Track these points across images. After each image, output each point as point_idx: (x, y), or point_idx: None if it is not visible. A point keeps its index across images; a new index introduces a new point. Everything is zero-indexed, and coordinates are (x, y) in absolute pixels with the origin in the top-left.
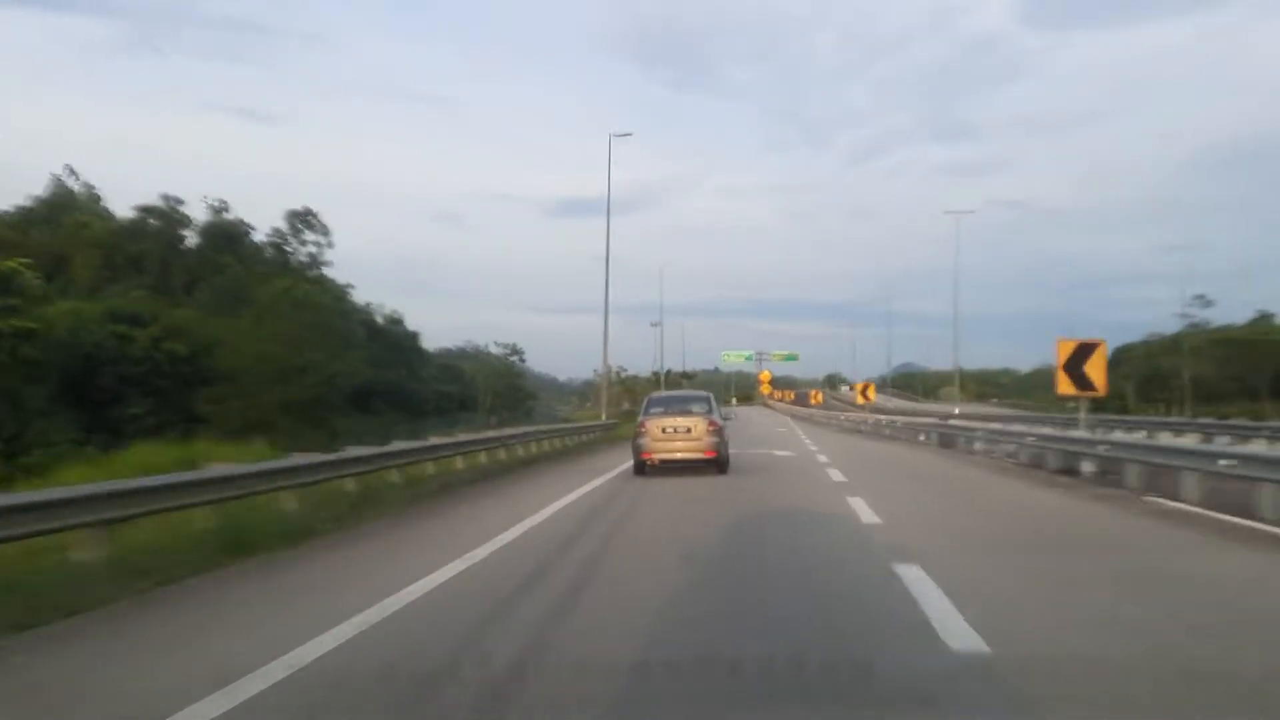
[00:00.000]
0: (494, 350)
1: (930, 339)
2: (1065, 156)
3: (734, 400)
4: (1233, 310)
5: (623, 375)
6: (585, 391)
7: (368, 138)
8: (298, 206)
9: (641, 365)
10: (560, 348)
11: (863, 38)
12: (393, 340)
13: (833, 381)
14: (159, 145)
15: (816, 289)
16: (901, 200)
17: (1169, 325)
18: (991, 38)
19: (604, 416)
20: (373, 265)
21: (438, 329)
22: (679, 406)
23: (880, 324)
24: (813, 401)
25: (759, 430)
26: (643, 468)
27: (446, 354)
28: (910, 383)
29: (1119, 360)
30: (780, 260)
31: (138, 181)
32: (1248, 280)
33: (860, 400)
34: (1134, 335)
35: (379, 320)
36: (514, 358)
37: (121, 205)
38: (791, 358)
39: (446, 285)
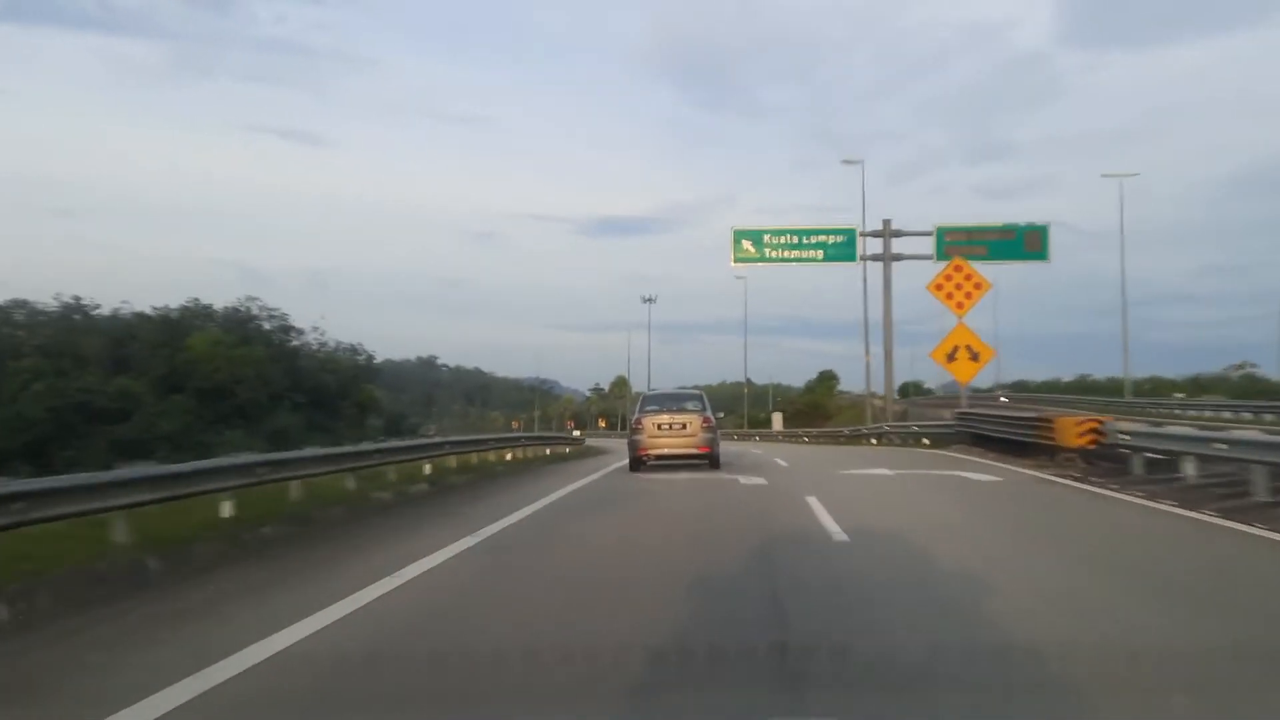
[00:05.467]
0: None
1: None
2: (1106, 176)
3: (752, 431)
4: None
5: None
6: (525, 403)
7: (406, 158)
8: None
9: (664, 379)
10: (581, 363)
11: (899, 58)
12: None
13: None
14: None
15: (849, 310)
16: (938, 220)
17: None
18: (1030, 57)
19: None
20: (408, 279)
21: (460, 345)
22: (674, 404)
23: (907, 343)
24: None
25: None
26: (639, 464)
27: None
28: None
29: None
30: (815, 280)
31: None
32: None
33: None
34: (1178, 356)
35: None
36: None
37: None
38: (1031, 234)
39: (476, 302)
